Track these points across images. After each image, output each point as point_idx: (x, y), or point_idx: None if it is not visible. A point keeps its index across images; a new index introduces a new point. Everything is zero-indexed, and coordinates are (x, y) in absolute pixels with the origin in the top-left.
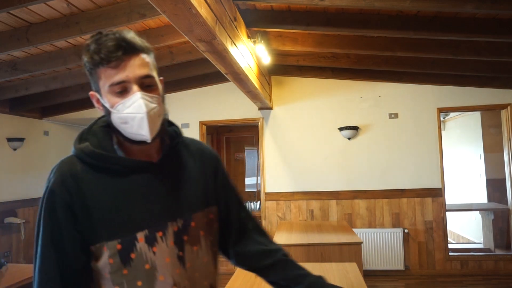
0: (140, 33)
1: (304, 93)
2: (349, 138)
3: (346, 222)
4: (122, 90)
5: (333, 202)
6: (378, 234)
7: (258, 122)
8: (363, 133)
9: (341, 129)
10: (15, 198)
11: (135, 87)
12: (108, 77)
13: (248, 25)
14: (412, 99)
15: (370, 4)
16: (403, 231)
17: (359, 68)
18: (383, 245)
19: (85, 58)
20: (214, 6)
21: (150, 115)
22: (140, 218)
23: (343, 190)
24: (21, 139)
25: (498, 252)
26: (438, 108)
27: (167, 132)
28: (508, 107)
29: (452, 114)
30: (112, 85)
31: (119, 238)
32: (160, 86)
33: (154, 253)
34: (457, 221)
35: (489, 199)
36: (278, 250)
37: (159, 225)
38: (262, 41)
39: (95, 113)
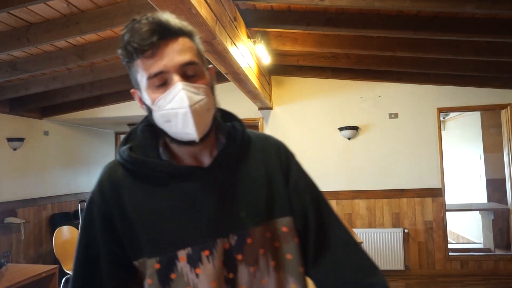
0: None
1: (304, 93)
2: (349, 138)
3: (346, 222)
4: (162, 82)
5: (333, 202)
6: (378, 234)
7: (258, 122)
8: (363, 133)
9: (341, 129)
10: (15, 198)
11: (175, 77)
12: (145, 69)
13: (248, 25)
14: (412, 99)
15: (370, 4)
16: (403, 231)
17: (359, 68)
18: (383, 245)
19: (120, 51)
20: (214, 6)
21: (195, 109)
22: (183, 234)
23: (343, 190)
24: (21, 139)
25: (498, 252)
26: (438, 108)
27: (223, 128)
28: (508, 107)
29: (452, 114)
30: (150, 77)
31: (157, 256)
32: (208, 74)
33: (197, 275)
34: (457, 221)
35: (489, 199)
36: (373, 285)
37: (206, 242)
38: (262, 41)
39: (96, 113)
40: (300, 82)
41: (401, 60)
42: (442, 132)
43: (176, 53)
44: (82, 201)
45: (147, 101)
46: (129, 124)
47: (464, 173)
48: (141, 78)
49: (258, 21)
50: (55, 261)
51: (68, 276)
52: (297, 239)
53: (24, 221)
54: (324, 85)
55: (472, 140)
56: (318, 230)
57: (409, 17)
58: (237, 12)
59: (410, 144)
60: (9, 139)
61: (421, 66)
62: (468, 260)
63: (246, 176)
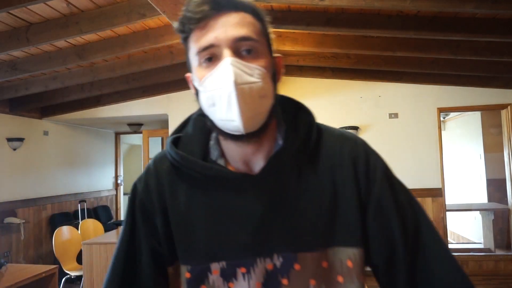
0: (140, 33)
1: (304, 93)
2: None
3: None
4: (211, 56)
5: None
6: None
7: None
8: (363, 133)
9: (341, 129)
10: (15, 198)
11: (226, 52)
12: (195, 42)
13: None
14: (412, 99)
15: (370, 4)
16: None
17: (359, 68)
18: None
19: (175, 26)
20: None
21: (243, 89)
22: (220, 246)
23: None
24: (21, 139)
25: (498, 252)
26: (438, 108)
27: (282, 127)
28: (508, 107)
29: (452, 114)
30: (199, 52)
31: (189, 265)
32: (270, 60)
33: None
34: (457, 221)
35: (490, 199)
36: None
37: (244, 258)
38: None
39: (96, 113)
40: (300, 82)
41: (401, 60)
42: (442, 132)
43: (231, 26)
44: (82, 201)
45: (196, 81)
46: (129, 124)
47: (464, 173)
48: (193, 55)
49: None
50: (55, 261)
51: (68, 276)
52: (363, 277)
53: (24, 221)
54: (324, 85)
55: (472, 140)
56: (412, 272)
57: (409, 17)
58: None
59: (410, 144)
60: (9, 139)
61: (421, 66)
62: (468, 260)
63: (304, 188)
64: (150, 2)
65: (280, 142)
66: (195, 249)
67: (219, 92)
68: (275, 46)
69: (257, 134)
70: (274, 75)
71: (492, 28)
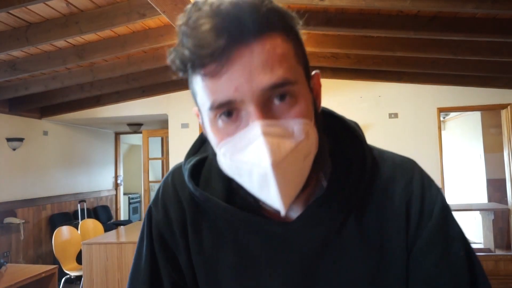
0: (139, 33)
1: None
2: None
3: None
4: (231, 111)
5: None
6: None
7: None
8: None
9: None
10: (15, 198)
11: (253, 111)
12: (206, 92)
13: None
14: (412, 99)
15: (370, 4)
16: None
17: (359, 68)
18: None
19: (170, 57)
20: None
21: (283, 169)
22: None
23: None
24: (20, 139)
25: (498, 252)
26: (438, 108)
27: (327, 161)
28: (508, 107)
29: (452, 114)
30: (212, 108)
31: None
32: (309, 93)
33: None
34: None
35: (490, 199)
36: None
37: None
38: None
39: (96, 113)
40: None
41: (401, 60)
42: (442, 132)
43: (256, 69)
44: (81, 201)
45: (211, 138)
46: (129, 124)
47: (464, 173)
48: (202, 101)
49: None
50: (55, 261)
51: (68, 276)
52: None
53: (23, 221)
54: (324, 85)
55: (473, 140)
56: None
57: (409, 17)
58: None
59: (410, 144)
60: (9, 139)
61: (421, 66)
62: None
63: (347, 240)
64: (150, 2)
65: (324, 182)
66: None
67: (249, 167)
68: None
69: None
70: (316, 113)
71: (492, 28)
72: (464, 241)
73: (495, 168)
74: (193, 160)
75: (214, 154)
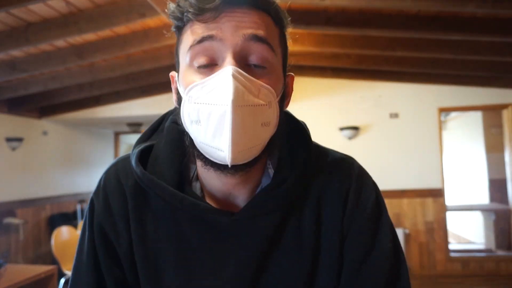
0: (139, 33)
1: (304, 93)
2: (349, 138)
3: None
4: (209, 61)
5: None
6: None
7: None
8: (364, 133)
9: (341, 129)
10: (14, 198)
11: (229, 57)
12: (192, 35)
13: None
14: (413, 99)
15: (371, 4)
16: (404, 232)
17: (360, 68)
18: None
19: (172, 7)
20: None
21: (242, 112)
22: None
23: None
24: (20, 139)
25: (500, 252)
26: (439, 108)
27: (275, 153)
28: (510, 107)
29: (453, 114)
30: (193, 45)
31: None
32: (282, 77)
33: None
34: (458, 221)
35: (491, 200)
36: None
37: None
38: None
39: (95, 113)
40: (300, 82)
41: (401, 60)
42: (443, 132)
43: (244, 23)
44: (81, 201)
45: (181, 86)
46: (129, 124)
47: (465, 173)
48: (184, 50)
49: None
50: (54, 261)
51: (67, 276)
52: None
53: (23, 221)
54: (325, 85)
55: (474, 140)
56: None
57: (410, 16)
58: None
59: (411, 144)
60: (8, 139)
61: (422, 66)
62: (469, 261)
63: (289, 234)
64: (149, 2)
65: (270, 171)
66: None
67: (210, 109)
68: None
69: (245, 168)
70: (282, 98)
71: (493, 28)
72: (393, 236)
73: (496, 168)
74: (142, 146)
75: (175, 122)
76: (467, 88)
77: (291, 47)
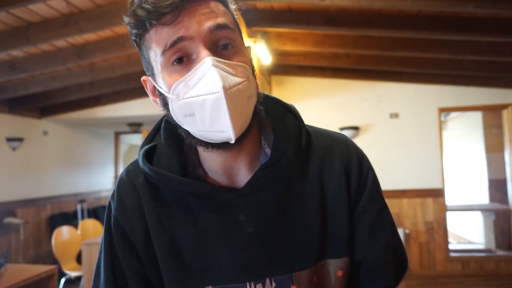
0: None
1: (304, 93)
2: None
3: None
4: (182, 57)
5: None
6: None
7: None
8: (364, 133)
9: (341, 129)
10: (15, 198)
11: (202, 51)
12: (160, 41)
13: (248, 25)
14: (413, 99)
15: (371, 4)
16: (404, 232)
17: (360, 68)
18: None
19: (127, 18)
20: None
21: (232, 94)
22: (204, 270)
23: None
24: (20, 139)
25: (500, 252)
26: (439, 108)
27: (268, 132)
28: (510, 107)
29: (453, 114)
30: (166, 50)
31: None
32: (246, 51)
33: None
34: (458, 221)
35: (491, 200)
36: None
37: (232, 284)
38: (262, 41)
39: (95, 113)
40: (301, 82)
41: (402, 60)
42: (443, 132)
43: (204, 16)
44: (81, 201)
45: (163, 88)
46: (129, 124)
47: (465, 173)
48: (155, 56)
49: (258, 21)
50: (54, 261)
51: (67, 276)
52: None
53: (23, 221)
54: (325, 85)
55: (474, 140)
56: (365, 267)
57: (410, 16)
58: (238, 12)
59: (411, 144)
60: (8, 139)
61: (422, 66)
62: (469, 261)
63: (294, 202)
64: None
65: (267, 150)
66: (177, 273)
67: (202, 98)
68: (275, 45)
69: (242, 138)
70: (253, 68)
71: (493, 28)
72: (386, 207)
73: (496, 168)
74: (147, 146)
75: (169, 121)
76: (467, 88)
77: (292, 47)
